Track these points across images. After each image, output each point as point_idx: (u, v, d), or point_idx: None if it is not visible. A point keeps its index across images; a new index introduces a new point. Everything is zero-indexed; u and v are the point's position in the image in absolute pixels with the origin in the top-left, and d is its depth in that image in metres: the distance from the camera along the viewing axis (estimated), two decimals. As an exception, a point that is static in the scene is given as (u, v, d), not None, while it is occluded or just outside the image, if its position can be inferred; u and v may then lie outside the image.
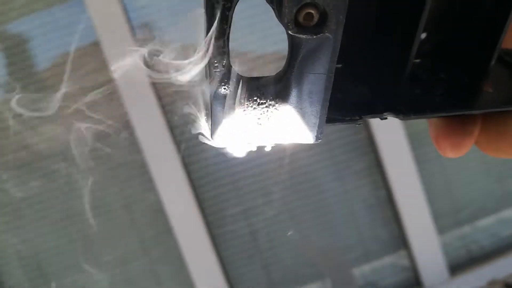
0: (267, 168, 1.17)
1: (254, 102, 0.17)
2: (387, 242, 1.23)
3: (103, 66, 1.10)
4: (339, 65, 0.21)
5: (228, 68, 0.17)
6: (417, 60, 0.20)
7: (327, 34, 0.15)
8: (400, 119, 0.19)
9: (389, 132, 1.16)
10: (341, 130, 1.17)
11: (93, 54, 1.12)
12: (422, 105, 0.20)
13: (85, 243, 1.16)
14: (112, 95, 1.12)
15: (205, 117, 0.19)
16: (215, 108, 0.17)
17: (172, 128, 1.13)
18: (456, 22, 0.20)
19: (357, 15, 0.17)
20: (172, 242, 1.13)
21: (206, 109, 0.18)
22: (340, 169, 1.20)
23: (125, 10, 1.09)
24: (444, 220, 1.23)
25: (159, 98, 1.12)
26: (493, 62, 0.19)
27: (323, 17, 0.14)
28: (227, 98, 0.17)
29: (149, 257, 1.18)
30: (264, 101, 0.17)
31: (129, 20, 1.10)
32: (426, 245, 1.20)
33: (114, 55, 1.09)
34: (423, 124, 1.16)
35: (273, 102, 0.17)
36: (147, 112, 1.11)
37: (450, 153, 0.21)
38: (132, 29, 1.10)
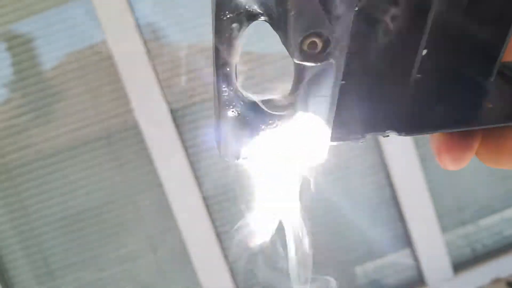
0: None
1: (262, 124, 0.18)
2: (391, 241, 1.24)
3: (110, 65, 1.11)
4: (342, 82, 0.22)
5: (236, 91, 0.17)
6: (418, 76, 0.20)
7: (330, 60, 0.16)
8: (402, 136, 0.20)
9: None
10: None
11: (100, 54, 1.12)
12: (423, 122, 0.20)
13: (91, 241, 1.17)
14: (116, 92, 1.13)
15: (214, 138, 0.20)
16: (224, 131, 0.18)
17: (178, 126, 1.13)
18: (457, 38, 0.20)
19: (359, 35, 0.17)
20: (178, 240, 1.14)
21: (215, 130, 0.19)
22: (344, 168, 1.21)
23: (132, 10, 1.09)
24: (448, 218, 1.24)
25: (168, 102, 1.12)
26: (492, 79, 0.20)
27: (327, 45, 0.15)
28: (235, 120, 0.18)
29: (156, 254, 1.19)
30: (272, 122, 0.18)
31: (135, 19, 1.10)
32: (430, 243, 1.21)
33: (121, 54, 1.10)
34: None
35: (280, 123, 0.18)
36: (153, 108, 1.12)
37: (451, 166, 0.22)
38: (139, 28, 1.11)
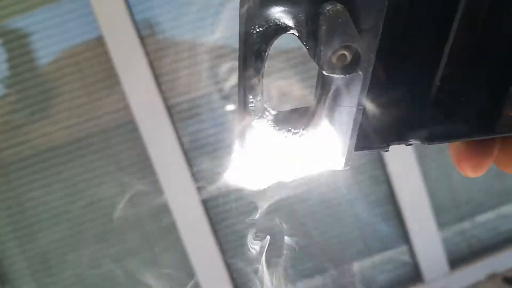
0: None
1: (287, 133, 0.19)
2: (388, 237, 1.24)
3: (106, 60, 1.10)
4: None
5: (262, 102, 0.18)
6: (438, 84, 0.20)
7: (359, 72, 0.16)
8: (425, 144, 0.20)
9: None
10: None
11: (96, 49, 1.12)
12: (445, 130, 0.21)
13: (88, 237, 1.17)
14: (112, 88, 1.12)
15: (237, 148, 0.20)
16: (249, 139, 0.19)
17: (175, 122, 1.13)
18: (477, 45, 0.20)
19: (382, 43, 0.17)
20: (175, 237, 1.14)
21: (239, 140, 0.19)
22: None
23: (128, 5, 1.09)
24: (444, 215, 1.24)
25: (164, 97, 1.12)
26: None
27: (356, 57, 0.15)
28: (261, 129, 0.18)
29: (152, 252, 1.18)
30: (297, 132, 0.18)
31: (132, 14, 1.10)
32: (427, 239, 1.21)
33: (117, 49, 1.09)
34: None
35: (305, 132, 0.18)
36: (150, 104, 1.11)
37: (471, 173, 0.22)
38: (135, 23, 1.10)
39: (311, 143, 0.19)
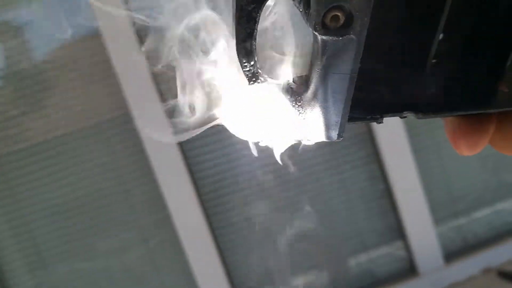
0: (264, 156, 1.17)
1: (282, 101, 0.19)
2: (384, 232, 1.24)
3: (103, 53, 1.10)
4: (360, 65, 0.22)
5: (257, 67, 0.18)
6: (434, 60, 0.20)
7: (352, 35, 0.16)
8: (419, 118, 0.20)
9: (387, 123, 1.17)
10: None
11: (92, 41, 1.11)
12: (440, 104, 0.20)
13: (83, 230, 1.16)
14: (108, 80, 1.12)
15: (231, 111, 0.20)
16: (243, 107, 0.19)
17: (170, 115, 1.12)
18: (473, 23, 0.20)
19: (379, 17, 0.17)
20: (171, 230, 1.13)
21: (233, 103, 0.20)
22: (338, 159, 1.21)
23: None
24: (440, 210, 1.24)
25: (160, 89, 1.11)
26: (509, 63, 0.20)
27: (349, 19, 0.15)
28: (255, 98, 0.18)
29: (147, 245, 1.18)
30: (291, 100, 0.18)
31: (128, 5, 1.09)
32: (422, 234, 1.21)
33: (114, 42, 1.08)
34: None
35: (298, 100, 0.18)
36: (146, 100, 1.11)
37: (466, 151, 0.22)
38: (132, 15, 1.09)
39: (305, 111, 0.19)
